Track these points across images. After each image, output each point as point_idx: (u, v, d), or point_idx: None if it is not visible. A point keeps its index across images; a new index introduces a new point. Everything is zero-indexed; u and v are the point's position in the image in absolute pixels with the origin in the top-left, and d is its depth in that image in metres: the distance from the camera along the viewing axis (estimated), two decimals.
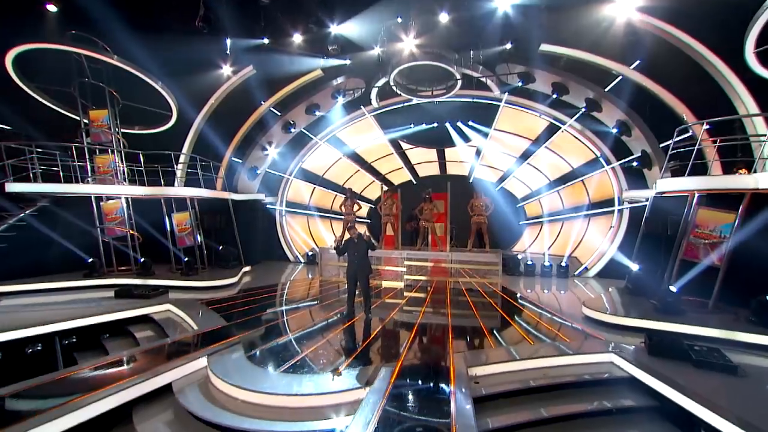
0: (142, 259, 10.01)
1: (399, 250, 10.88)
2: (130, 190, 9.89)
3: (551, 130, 12.88)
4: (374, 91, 13.81)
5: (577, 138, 12.40)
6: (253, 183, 14.88)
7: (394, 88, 13.04)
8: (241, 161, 14.21)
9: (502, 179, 16.48)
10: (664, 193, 7.03)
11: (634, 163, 10.73)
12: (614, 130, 11.02)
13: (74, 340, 6.35)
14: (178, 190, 10.50)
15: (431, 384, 4.38)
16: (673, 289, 6.23)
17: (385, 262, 10.95)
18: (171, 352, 5.46)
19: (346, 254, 7.13)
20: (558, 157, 13.60)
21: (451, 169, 17.65)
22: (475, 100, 13.50)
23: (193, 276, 10.16)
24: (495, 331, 6.51)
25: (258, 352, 5.45)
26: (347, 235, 7.17)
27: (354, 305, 7.18)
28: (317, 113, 14.51)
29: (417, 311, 7.87)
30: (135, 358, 5.20)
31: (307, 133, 15.13)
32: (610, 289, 8.77)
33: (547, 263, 12.40)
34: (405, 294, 9.56)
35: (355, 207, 11.74)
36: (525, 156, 14.53)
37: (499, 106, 13.15)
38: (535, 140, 13.73)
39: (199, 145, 12.68)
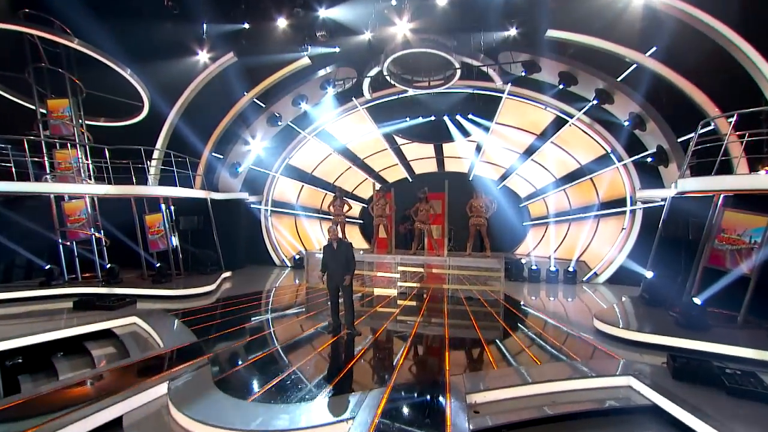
0: (108, 266, 9.51)
1: (392, 255, 10.45)
2: (95, 188, 9.39)
3: (558, 123, 12.50)
4: (366, 82, 13.39)
5: (585, 132, 12.04)
6: (235, 181, 14.41)
7: (387, 78, 12.66)
8: (221, 158, 13.71)
9: (504, 177, 16.13)
10: (685, 193, 6.64)
11: (649, 159, 10.35)
12: (627, 124, 10.64)
13: (20, 361, 5.85)
14: (151, 189, 10.00)
15: (424, 415, 3.95)
16: (696, 300, 5.84)
17: (377, 268, 10.52)
18: (128, 375, 5.00)
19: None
20: (565, 153, 13.24)
21: (450, 166, 17.29)
22: (475, 91, 13.11)
23: (165, 283, 9.69)
24: (497, 348, 6.11)
25: (229, 376, 4.99)
26: (327, 240, 6.69)
27: (340, 318, 6.75)
28: (305, 105, 14.05)
29: (411, 322, 7.49)
30: (85, 383, 4.73)
31: (294, 126, 14.69)
32: (623, 299, 8.40)
33: (552, 268, 12.05)
34: (399, 302, 9.16)
35: (345, 207, 11.31)
36: (529, 152, 14.16)
37: (501, 97, 12.77)
38: (540, 135, 13.37)
39: (174, 140, 12.18)
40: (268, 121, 14.08)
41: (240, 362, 5.45)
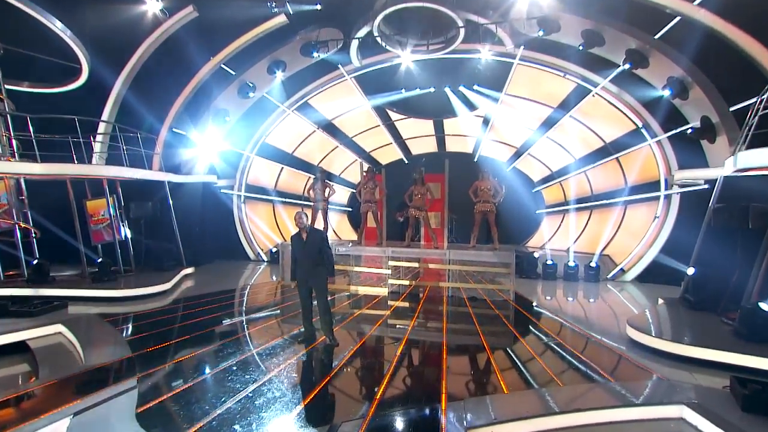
0: (35, 262, 8.62)
1: (382, 247, 9.61)
2: (18, 167, 8.43)
3: (579, 94, 11.79)
4: (354, 45, 12.55)
5: (612, 104, 11.30)
6: (202, 162, 13.46)
7: (379, 40, 11.78)
8: (184, 134, 12.76)
9: (515, 157, 15.42)
10: (746, 171, 5.80)
11: (689, 131, 9.49)
12: (665, 92, 9.75)
13: None
14: (91, 168, 9.05)
15: None
16: (764, 306, 5.02)
17: (365, 262, 9.69)
18: (27, 405, 4.15)
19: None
20: (586, 129, 12.52)
21: (452, 146, 16.62)
22: (482, 56, 12.19)
23: (109, 283, 8.83)
24: (507, 363, 5.36)
25: (159, 404, 4.14)
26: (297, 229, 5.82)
27: (313, 325, 5.92)
28: (282, 74, 13.12)
29: (403, 327, 6.81)
30: None
31: (271, 98, 13.78)
32: (660, 301, 7.61)
33: (572, 263, 11.38)
34: (390, 303, 8.45)
35: (327, 191, 10.44)
36: (544, 128, 13.50)
37: (512, 64, 12.03)
38: (557, 107, 12.67)
39: (124, 114, 11.22)
40: (239, 91, 13.21)
41: (178, 384, 4.59)
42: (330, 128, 15.40)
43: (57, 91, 9.85)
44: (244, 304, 8.66)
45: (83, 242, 9.51)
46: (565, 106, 12.34)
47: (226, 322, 7.12)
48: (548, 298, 9.70)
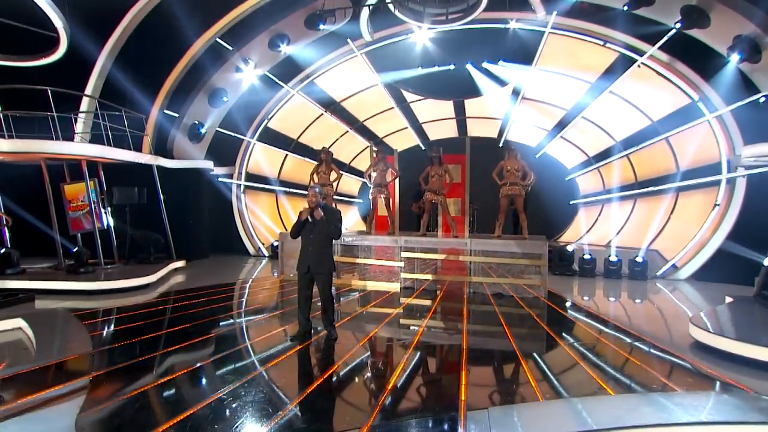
0: (3, 251, 8.25)
1: (393, 236, 8.95)
2: None
3: (621, 65, 11.00)
4: (365, 15, 12.01)
5: (662, 75, 10.42)
6: (197, 147, 13.20)
7: (392, 9, 11.16)
8: (177, 115, 12.37)
9: (545, 141, 14.73)
10: None
11: (761, 100, 8.54)
12: (733, 56, 8.74)
13: None
14: (67, 146, 8.57)
15: None
16: None
17: (375, 254, 9.03)
18: None
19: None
20: (630, 107, 11.68)
21: (474, 129, 16.10)
22: (508, 26, 11.59)
23: (86, 275, 8.43)
24: (539, 367, 4.62)
25: (109, 410, 3.56)
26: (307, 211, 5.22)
27: (309, 320, 5.30)
28: (286, 48, 12.65)
29: (415, 328, 6.12)
30: None
31: (273, 77, 13.29)
32: (728, 299, 6.72)
33: (613, 258, 10.48)
34: (402, 300, 7.78)
35: (333, 175, 9.86)
36: (580, 106, 12.71)
37: (543, 33, 11.29)
38: (596, 82, 11.87)
39: (109, 92, 10.81)
40: (237, 69, 12.70)
41: (139, 385, 4.00)
42: (339, 111, 14.93)
43: (32, 65, 9.47)
44: (234, 299, 8.13)
45: (61, 231, 9.15)
46: (606, 80, 11.52)
47: (214, 318, 6.53)
48: (587, 296, 8.90)
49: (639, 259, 10.29)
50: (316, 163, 10.17)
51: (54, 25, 8.89)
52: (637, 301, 8.58)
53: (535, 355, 5.08)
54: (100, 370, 4.34)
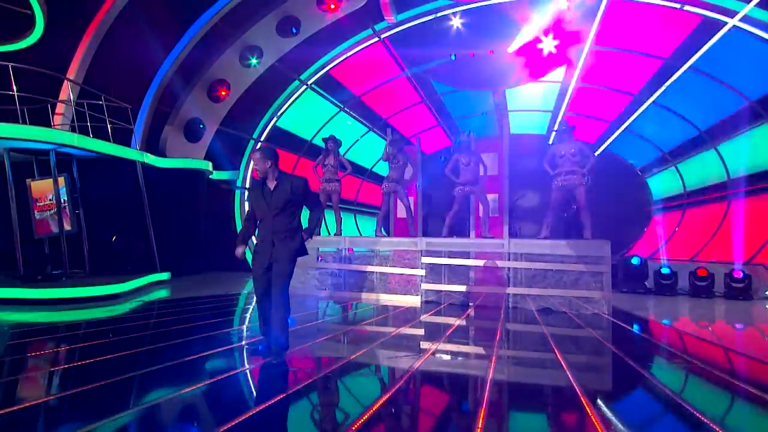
0: None
1: (413, 238, 7.79)
2: None
3: (704, 31, 9.84)
4: None
5: (762, 39, 9.07)
6: (195, 146, 12.64)
7: None
8: (170, 109, 11.94)
9: (607, 135, 13.43)
10: None
11: None
12: None
13: None
14: (31, 131, 7.85)
15: None
16: None
17: (394, 260, 7.88)
18: None
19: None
20: (718, 85, 10.42)
21: (517, 124, 14.68)
22: None
23: (46, 282, 7.76)
24: (619, 415, 3.14)
25: None
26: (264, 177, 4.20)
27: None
28: (296, 36, 12.16)
29: (422, 349, 4.71)
30: None
31: (283, 68, 12.84)
32: None
33: (702, 273, 8.97)
34: (422, 317, 6.56)
35: (330, 160, 9.03)
36: (650, 89, 11.62)
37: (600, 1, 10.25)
38: (670, 58, 10.78)
39: (96, 78, 10.43)
40: (241, 58, 12.26)
41: (32, 398, 2.98)
42: (359, 107, 14.36)
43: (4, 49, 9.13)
44: (211, 311, 7.14)
45: (25, 235, 8.57)
46: (684, 53, 10.40)
47: (179, 328, 5.53)
48: (669, 317, 7.30)
49: (739, 274, 8.73)
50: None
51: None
52: (740, 326, 6.94)
53: (604, 394, 3.64)
54: None
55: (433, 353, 4.51)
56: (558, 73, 12.38)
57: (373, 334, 5.56)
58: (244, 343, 4.93)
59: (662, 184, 13.25)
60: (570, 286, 6.72)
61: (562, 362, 4.24)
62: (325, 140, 9.17)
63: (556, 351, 4.71)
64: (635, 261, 9.75)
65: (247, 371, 3.86)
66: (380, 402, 3.07)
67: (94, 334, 5.47)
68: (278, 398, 3.11)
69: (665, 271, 9.37)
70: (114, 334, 5.34)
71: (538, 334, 5.61)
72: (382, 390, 3.58)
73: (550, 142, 13.72)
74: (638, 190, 13.64)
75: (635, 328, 6.31)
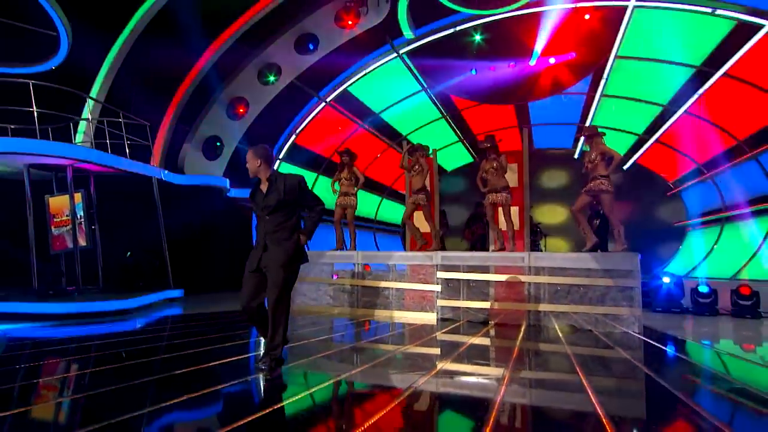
0: None
1: (428, 252, 7.48)
2: None
3: (740, 36, 9.58)
4: (404, 6, 11.29)
5: None
6: (213, 164, 12.78)
7: None
8: (189, 127, 12.10)
9: (636, 148, 13.21)
10: None
11: None
12: None
13: None
14: (49, 146, 7.99)
15: None
16: None
17: (410, 275, 7.56)
18: None
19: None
20: (757, 92, 10.07)
21: (541, 140, 14.76)
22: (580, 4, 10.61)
23: (57, 296, 7.80)
24: None
25: None
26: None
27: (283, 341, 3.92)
28: (315, 53, 12.31)
29: (423, 368, 4.32)
30: None
31: (301, 85, 12.89)
32: None
33: (745, 292, 8.41)
34: (436, 335, 6.18)
35: (354, 180, 8.76)
36: (682, 99, 11.31)
37: (626, 8, 10.18)
38: (703, 65, 10.51)
39: (116, 96, 10.67)
40: (260, 76, 12.46)
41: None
42: (378, 123, 14.42)
43: (31, 71, 9.39)
44: (209, 327, 6.95)
45: (42, 251, 8.66)
46: (717, 60, 10.13)
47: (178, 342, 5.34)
48: (707, 338, 6.71)
49: None
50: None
51: (53, 22, 8.83)
52: None
53: (636, 422, 3.17)
54: None
55: (438, 372, 4.15)
56: (584, 84, 12.14)
57: (379, 352, 5.24)
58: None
59: (697, 197, 12.81)
60: (596, 302, 6.25)
61: (586, 385, 3.80)
62: (339, 153, 9.03)
63: (579, 372, 4.28)
64: (673, 278, 9.24)
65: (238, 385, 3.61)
66: (369, 423, 2.75)
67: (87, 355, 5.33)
68: (261, 414, 2.84)
69: (703, 289, 8.84)
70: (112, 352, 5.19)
71: (560, 354, 5.19)
72: (373, 410, 3.24)
73: (576, 156, 13.41)
74: (670, 205, 13.21)
75: (672, 350, 5.78)
